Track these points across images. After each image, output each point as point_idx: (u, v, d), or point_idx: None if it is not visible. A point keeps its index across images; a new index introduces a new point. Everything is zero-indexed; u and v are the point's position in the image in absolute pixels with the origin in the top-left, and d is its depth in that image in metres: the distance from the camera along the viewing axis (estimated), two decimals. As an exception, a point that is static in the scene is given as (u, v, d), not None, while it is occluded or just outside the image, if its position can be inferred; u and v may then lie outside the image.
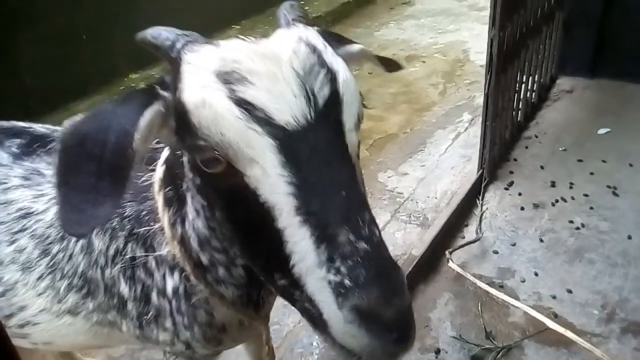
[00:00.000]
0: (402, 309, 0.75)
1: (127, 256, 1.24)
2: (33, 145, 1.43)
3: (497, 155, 3.34)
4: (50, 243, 1.33)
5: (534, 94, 3.91)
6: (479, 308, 2.47)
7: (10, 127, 1.52)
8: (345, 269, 0.75)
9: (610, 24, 4.08)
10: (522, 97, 3.64)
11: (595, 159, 3.39)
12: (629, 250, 2.71)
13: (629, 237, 2.78)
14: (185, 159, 1.03)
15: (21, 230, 1.35)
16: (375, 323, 0.74)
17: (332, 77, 0.86)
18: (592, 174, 3.28)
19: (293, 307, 0.89)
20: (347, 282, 0.74)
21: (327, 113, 0.84)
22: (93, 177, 0.83)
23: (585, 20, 4.11)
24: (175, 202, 1.14)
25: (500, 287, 2.57)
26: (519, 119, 3.70)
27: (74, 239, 1.30)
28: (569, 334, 2.27)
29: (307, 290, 0.80)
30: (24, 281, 1.36)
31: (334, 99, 0.86)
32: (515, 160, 3.48)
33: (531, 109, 3.91)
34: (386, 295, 0.74)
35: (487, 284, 2.56)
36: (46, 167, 1.39)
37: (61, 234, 1.32)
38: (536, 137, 3.70)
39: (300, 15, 1.01)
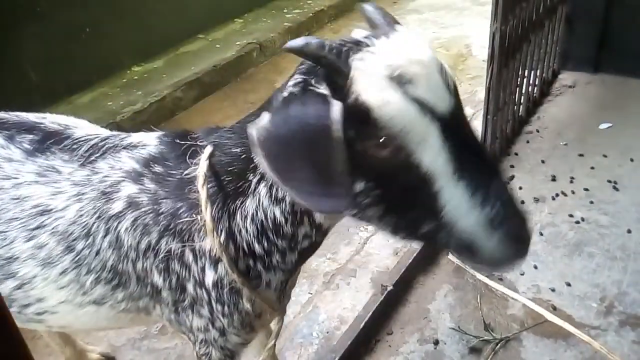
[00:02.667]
0: (530, 232, 1.05)
1: (161, 250, 1.29)
2: (46, 142, 1.43)
3: (498, 149, 3.35)
4: (74, 240, 1.34)
5: (535, 88, 3.91)
6: (478, 300, 2.48)
7: (21, 122, 1.50)
8: (500, 207, 1.01)
9: (613, 19, 4.07)
10: (523, 91, 3.65)
11: (596, 154, 3.40)
12: (628, 245, 2.72)
13: (629, 232, 2.79)
14: None
15: (39, 227, 1.35)
16: (517, 241, 1.03)
17: (446, 70, 1.06)
18: (592, 168, 3.28)
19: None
20: (501, 213, 1.01)
21: (457, 100, 1.06)
22: (315, 171, 1.01)
23: (588, 15, 4.10)
24: (221, 196, 1.24)
25: (500, 279, 2.59)
26: (520, 114, 3.71)
27: (100, 235, 1.33)
28: (568, 326, 2.30)
29: (460, 227, 1.02)
30: (44, 275, 1.37)
31: (455, 88, 1.07)
32: (516, 154, 3.48)
33: (533, 104, 3.91)
34: (525, 224, 1.04)
35: (486, 276, 2.58)
36: (62, 164, 1.39)
37: (85, 230, 1.33)
38: (537, 131, 3.70)
39: (393, 17, 1.18)
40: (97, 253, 1.34)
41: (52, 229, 1.35)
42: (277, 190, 1.20)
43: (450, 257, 2.68)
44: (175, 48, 5.07)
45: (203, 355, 1.48)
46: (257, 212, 1.23)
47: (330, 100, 1.02)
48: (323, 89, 1.05)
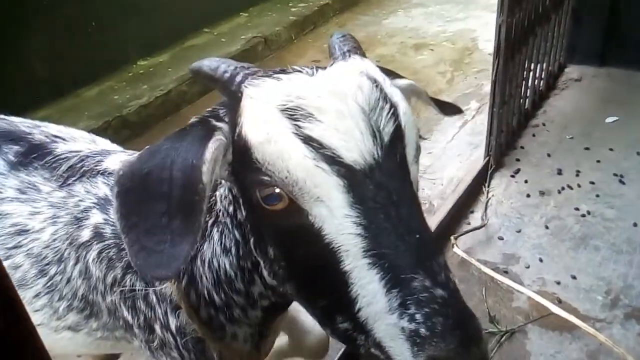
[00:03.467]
0: (481, 359, 0.73)
1: (126, 287, 1.21)
2: (30, 156, 1.39)
3: (504, 142, 3.34)
4: (47, 264, 1.30)
5: (542, 82, 3.90)
6: (483, 293, 2.49)
7: (9, 132, 1.46)
8: (421, 317, 0.71)
9: (620, 12, 4.05)
10: (529, 85, 3.63)
11: (602, 147, 3.39)
12: (634, 238, 2.72)
13: (635, 225, 2.79)
14: (225, 191, 1.01)
15: (16, 247, 1.32)
16: None
17: (394, 111, 0.84)
18: (599, 162, 3.27)
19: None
20: (423, 330, 0.71)
21: (393, 149, 0.82)
22: (165, 217, 0.80)
23: (595, 8, 4.08)
24: None
25: (505, 272, 2.59)
26: (526, 107, 3.70)
27: (71, 262, 1.27)
28: (573, 319, 2.29)
29: (375, 335, 0.77)
30: (20, 297, 1.33)
31: (398, 134, 0.83)
32: (522, 147, 3.48)
33: (539, 97, 3.90)
34: (465, 344, 0.71)
35: (491, 269, 2.58)
36: (43, 182, 1.35)
37: (58, 256, 1.29)
38: (544, 125, 3.69)
39: (355, 46, 0.99)
40: (68, 281, 1.29)
41: (28, 250, 1.31)
42: (225, 237, 1.05)
43: (455, 249, 2.69)
44: (181, 42, 5.09)
45: None
46: (212, 259, 1.09)
47: (213, 134, 0.84)
48: (221, 122, 0.88)
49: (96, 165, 1.35)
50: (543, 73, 3.87)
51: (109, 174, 1.31)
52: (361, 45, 1.05)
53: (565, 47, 4.23)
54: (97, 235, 1.24)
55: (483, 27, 5.36)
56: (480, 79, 4.50)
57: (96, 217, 1.26)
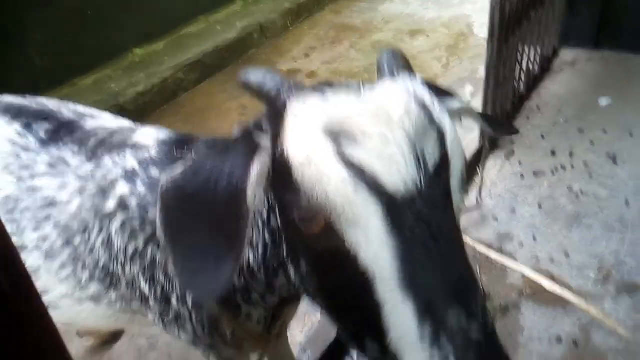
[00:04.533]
0: None
1: (147, 258, 1.23)
2: (60, 132, 1.43)
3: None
4: (73, 235, 1.34)
5: (536, 65, 3.92)
6: (478, 271, 2.53)
7: (39, 111, 1.51)
8: (454, 357, 0.69)
9: (614, -5, 4.07)
10: (524, 68, 3.66)
11: (596, 129, 3.42)
12: (626, 216, 2.76)
13: (627, 203, 2.83)
14: (261, 194, 0.98)
15: (46, 219, 1.36)
16: None
17: (441, 138, 0.80)
18: (592, 143, 3.31)
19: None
20: None
21: (437, 178, 0.78)
22: (209, 238, 0.80)
23: (589, -8, 4.10)
24: None
25: (499, 251, 2.64)
26: (521, 90, 3.72)
27: (95, 232, 1.30)
28: (566, 294, 2.35)
29: None
30: (47, 268, 1.37)
31: (444, 162, 0.79)
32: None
33: (533, 80, 3.93)
34: None
35: (486, 248, 2.63)
36: (72, 156, 1.39)
37: (83, 226, 1.32)
38: (538, 107, 3.73)
39: (405, 64, 0.95)
40: (92, 250, 1.32)
41: (56, 221, 1.35)
42: (254, 236, 1.06)
43: (451, 230, 2.73)
44: (177, 30, 5.09)
45: (203, 354, 1.46)
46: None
47: (257, 153, 0.83)
48: (264, 139, 0.86)
49: (125, 140, 1.38)
50: (537, 57, 3.90)
51: (138, 148, 1.34)
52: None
53: (560, 31, 4.25)
54: (122, 205, 1.26)
55: (478, 13, 5.38)
56: (476, 64, 4.53)
57: (122, 188, 1.27)
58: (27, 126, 1.46)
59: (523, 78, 3.71)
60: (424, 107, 0.82)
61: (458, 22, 5.42)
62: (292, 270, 0.98)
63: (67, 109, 1.53)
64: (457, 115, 1.00)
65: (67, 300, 1.41)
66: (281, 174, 0.82)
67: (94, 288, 1.36)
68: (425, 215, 0.75)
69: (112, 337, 2.43)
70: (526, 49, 3.58)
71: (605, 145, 3.28)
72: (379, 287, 0.75)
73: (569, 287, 2.41)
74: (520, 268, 2.51)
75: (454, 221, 0.79)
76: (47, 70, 4.14)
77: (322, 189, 0.76)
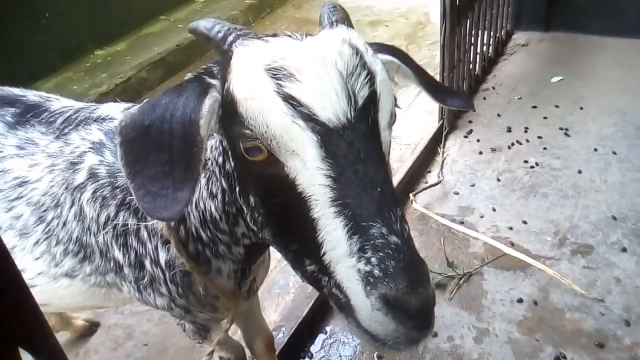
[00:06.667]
0: (426, 299, 0.80)
1: (119, 223, 1.28)
2: (27, 115, 1.46)
3: (457, 105, 3.49)
4: (45, 210, 1.36)
5: (490, 48, 4.07)
6: (442, 242, 2.64)
7: (4, 96, 1.53)
8: (376, 260, 0.80)
9: (561, -23, 4.26)
10: (478, 51, 3.80)
11: (548, 105, 3.59)
12: (579, 183, 2.92)
13: (579, 172, 2.99)
14: (216, 142, 1.10)
15: (18, 198, 1.38)
16: (401, 311, 0.79)
17: (371, 77, 0.91)
18: (545, 118, 3.47)
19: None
20: (376, 271, 0.79)
21: (365, 112, 0.88)
22: (167, 165, 0.87)
23: (537, -25, 4.28)
24: None
25: (461, 223, 2.75)
26: (476, 72, 3.86)
27: (67, 206, 1.34)
28: (525, 257, 2.47)
29: (336, 276, 0.85)
30: (22, 246, 1.39)
31: (372, 99, 0.90)
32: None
33: (488, 63, 4.08)
34: (412, 285, 0.79)
35: (449, 221, 2.74)
36: (40, 136, 1.42)
37: (55, 201, 1.35)
38: (493, 88, 3.88)
39: (343, 17, 1.05)
40: (64, 224, 1.35)
41: (28, 199, 1.38)
42: (212, 184, 1.15)
43: (415, 205, 2.83)
44: (138, 30, 5.08)
45: (179, 324, 1.52)
46: (199, 201, 1.19)
47: (208, 91, 0.91)
48: (214, 79, 0.95)
49: (90, 114, 1.42)
50: (491, 40, 4.04)
51: (102, 119, 1.38)
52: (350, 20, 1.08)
53: (512, 14, 4.42)
54: (92, 175, 1.30)
55: (435, 2, 5.51)
56: (433, 50, 4.66)
57: (91, 159, 1.31)
58: None
59: (478, 61, 3.85)
60: (356, 51, 0.92)
61: (415, 11, 5.56)
62: (248, 215, 1.07)
63: (32, 94, 1.56)
64: (391, 68, 1.10)
65: (43, 277, 1.44)
66: (228, 109, 0.91)
67: (68, 263, 1.40)
68: (355, 144, 0.86)
69: (89, 330, 2.44)
70: (479, 32, 3.72)
71: (557, 119, 3.44)
72: (315, 206, 0.86)
73: (527, 252, 2.54)
74: (481, 237, 2.62)
75: (380, 150, 0.90)
76: (5, 74, 4.08)
77: (263, 120, 0.86)
